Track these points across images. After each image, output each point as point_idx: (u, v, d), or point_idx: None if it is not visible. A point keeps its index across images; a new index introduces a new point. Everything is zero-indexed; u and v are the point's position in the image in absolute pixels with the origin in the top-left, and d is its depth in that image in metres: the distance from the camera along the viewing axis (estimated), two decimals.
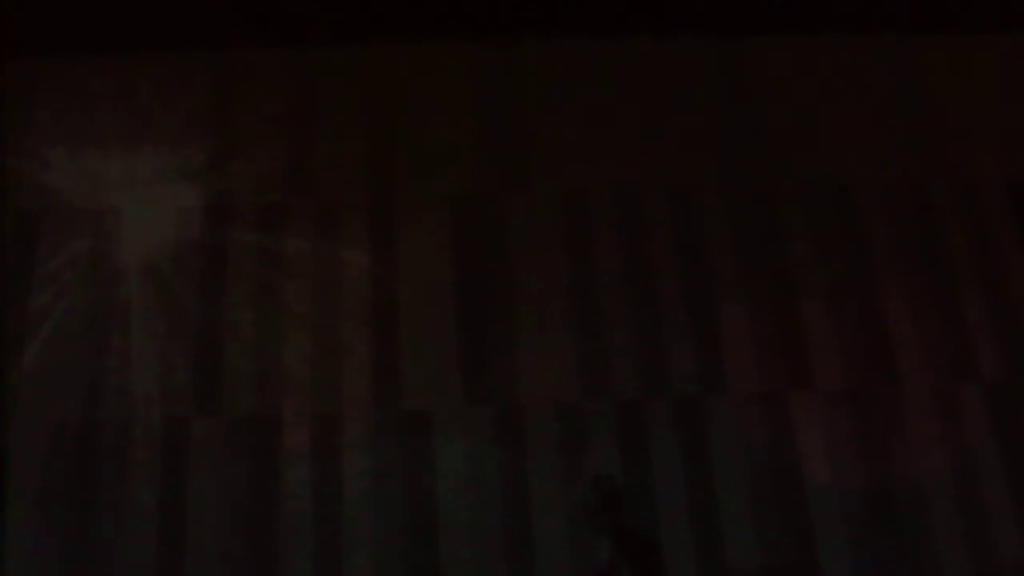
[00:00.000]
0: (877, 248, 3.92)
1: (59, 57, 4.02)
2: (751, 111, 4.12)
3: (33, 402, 3.54)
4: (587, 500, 2.99)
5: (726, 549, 3.48)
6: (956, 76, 4.24)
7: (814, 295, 3.83)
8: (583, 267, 3.83)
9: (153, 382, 3.59)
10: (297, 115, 4.01)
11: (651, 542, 3.22)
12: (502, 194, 3.93)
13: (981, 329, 3.81)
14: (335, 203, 3.88)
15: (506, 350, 3.69)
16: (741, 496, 3.54)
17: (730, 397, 3.67)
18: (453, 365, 3.66)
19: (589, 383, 3.66)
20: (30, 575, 3.35)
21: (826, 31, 4.23)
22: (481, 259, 3.83)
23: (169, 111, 3.98)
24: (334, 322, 3.70)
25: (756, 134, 4.09)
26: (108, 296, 3.69)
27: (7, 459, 3.46)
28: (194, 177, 3.89)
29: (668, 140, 4.05)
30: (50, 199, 3.83)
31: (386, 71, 4.09)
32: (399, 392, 3.62)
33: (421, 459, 3.53)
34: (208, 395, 3.58)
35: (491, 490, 3.51)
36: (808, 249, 3.90)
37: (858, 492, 3.56)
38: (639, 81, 4.14)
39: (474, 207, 3.90)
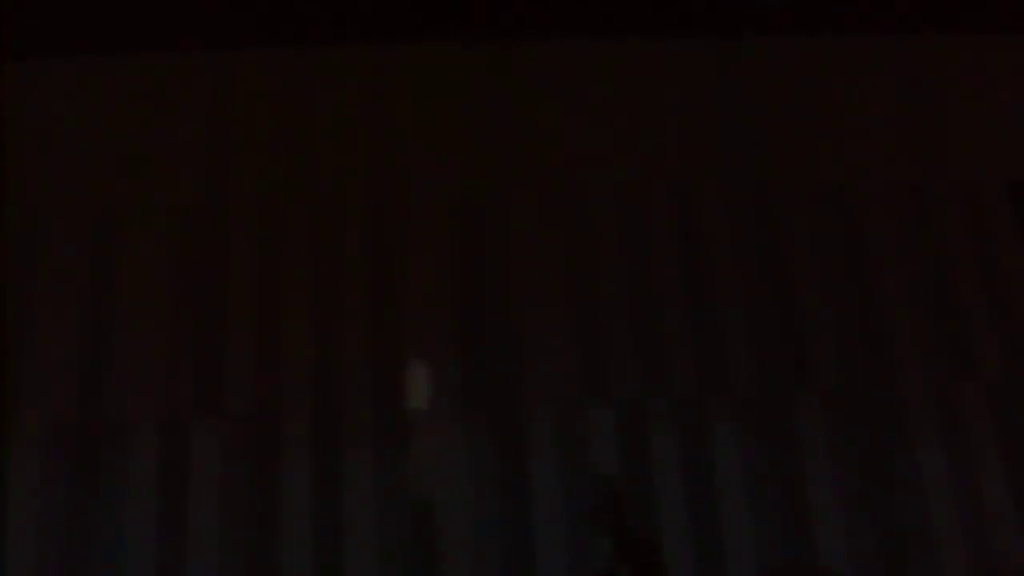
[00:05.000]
0: (877, 248, 3.93)
1: (59, 57, 4.03)
2: (751, 111, 4.13)
3: (33, 402, 3.54)
4: (587, 500, 3.00)
5: (726, 549, 3.48)
6: (956, 76, 4.25)
7: (814, 295, 3.84)
8: (583, 267, 3.84)
9: (153, 382, 3.59)
10: (297, 115, 4.01)
11: (651, 542, 3.23)
12: (502, 194, 3.93)
13: (981, 329, 3.81)
14: (335, 203, 3.88)
15: (506, 350, 3.69)
16: (741, 496, 3.54)
17: (730, 397, 3.67)
18: (453, 365, 3.67)
19: (589, 383, 3.67)
20: (30, 575, 3.35)
21: (826, 31, 4.23)
22: (481, 259, 3.83)
23: (169, 110, 3.98)
24: (334, 322, 3.70)
25: (756, 134, 4.09)
26: (108, 296, 3.70)
27: (7, 459, 3.46)
28: (194, 177, 3.89)
29: (668, 140, 4.05)
30: (50, 199, 3.83)
31: (386, 71, 4.10)
32: (399, 392, 3.62)
33: (421, 459, 3.54)
34: (208, 395, 3.58)
35: (491, 490, 3.51)
36: (807, 249, 3.91)
37: (858, 492, 3.57)
38: (639, 81, 4.15)
39: (474, 207, 3.90)
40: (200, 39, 4.01)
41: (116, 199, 3.85)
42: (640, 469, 3.56)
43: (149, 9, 3.81)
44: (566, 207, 3.93)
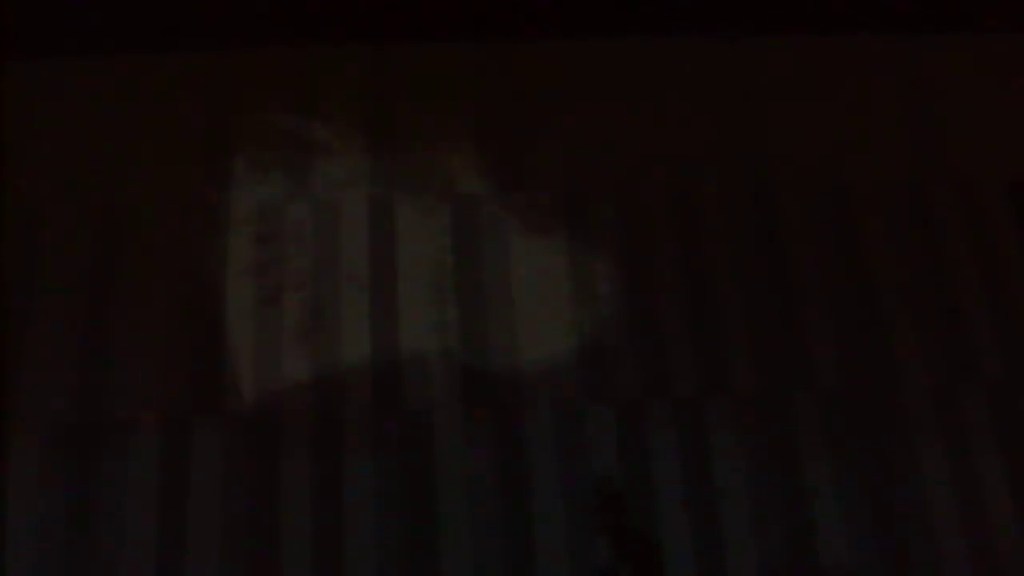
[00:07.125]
0: (877, 248, 3.93)
1: (59, 57, 4.03)
2: (751, 110, 4.13)
3: (33, 402, 3.54)
4: (587, 500, 3.00)
5: (726, 549, 3.48)
6: (956, 76, 4.25)
7: (814, 295, 3.84)
8: (583, 267, 3.84)
9: (153, 382, 3.59)
10: (297, 115, 4.01)
11: (651, 542, 3.23)
12: (502, 194, 3.93)
13: (981, 329, 3.81)
14: (334, 203, 3.88)
15: (506, 350, 3.69)
16: (741, 496, 3.54)
17: (730, 397, 3.67)
18: (453, 365, 3.67)
19: (589, 383, 3.67)
20: (29, 574, 3.35)
21: (826, 31, 4.23)
22: (481, 259, 3.83)
23: (170, 111, 3.99)
24: (334, 322, 3.70)
25: (756, 134, 4.09)
26: (108, 296, 3.70)
27: (7, 459, 3.46)
28: (194, 176, 3.90)
29: (668, 139, 4.05)
30: (50, 199, 3.83)
31: (386, 71, 4.10)
32: (399, 392, 3.62)
33: (421, 459, 3.54)
34: (208, 395, 3.58)
35: (491, 490, 3.51)
36: (807, 249, 3.91)
37: (858, 492, 3.57)
38: (639, 80, 4.15)
39: (474, 207, 3.90)
40: (201, 39, 4.01)
41: (116, 199, 3.85)
42: (640, 469, 3.56)
43: (149, 9, 3.81)
44: (566, 207, 3.93)
